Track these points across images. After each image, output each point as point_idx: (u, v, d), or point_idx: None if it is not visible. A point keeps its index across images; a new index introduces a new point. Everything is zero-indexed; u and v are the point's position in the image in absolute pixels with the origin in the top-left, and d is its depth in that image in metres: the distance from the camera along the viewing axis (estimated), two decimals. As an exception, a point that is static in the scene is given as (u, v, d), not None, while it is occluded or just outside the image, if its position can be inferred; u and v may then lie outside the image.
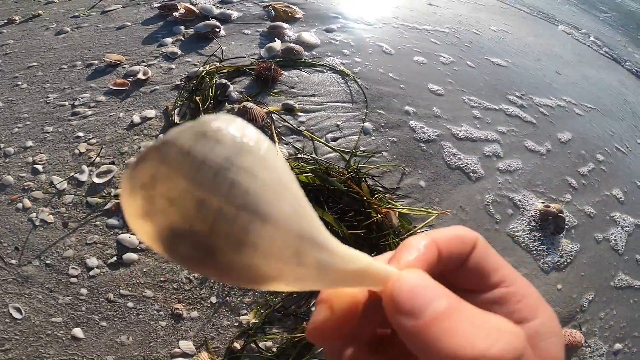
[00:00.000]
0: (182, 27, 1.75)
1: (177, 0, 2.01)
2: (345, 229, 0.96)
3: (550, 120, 1.90)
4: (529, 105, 1.94)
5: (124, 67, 1.47)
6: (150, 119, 1.24)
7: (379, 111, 1.47)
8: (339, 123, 1.36)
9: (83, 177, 1.06)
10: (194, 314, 0.87)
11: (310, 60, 1.61)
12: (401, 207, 1.10)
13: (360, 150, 1.27)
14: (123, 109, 1.27)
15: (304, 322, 0.88)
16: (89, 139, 1.17)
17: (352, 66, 1.67)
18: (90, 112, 1.25)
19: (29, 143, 1.15)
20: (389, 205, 1.07)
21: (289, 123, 1.28)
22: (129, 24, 1.79)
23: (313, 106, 1.40)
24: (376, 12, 2.33)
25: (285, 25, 1.81)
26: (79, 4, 2.05)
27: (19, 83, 1.41)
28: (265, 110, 1.26)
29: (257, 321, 0.87)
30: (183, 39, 1.68)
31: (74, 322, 0.83)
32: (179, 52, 1.57)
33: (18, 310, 0.84)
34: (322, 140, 1.26)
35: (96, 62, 1.50)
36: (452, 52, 2.14)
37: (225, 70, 1.43)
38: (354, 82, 1.57)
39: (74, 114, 1.25)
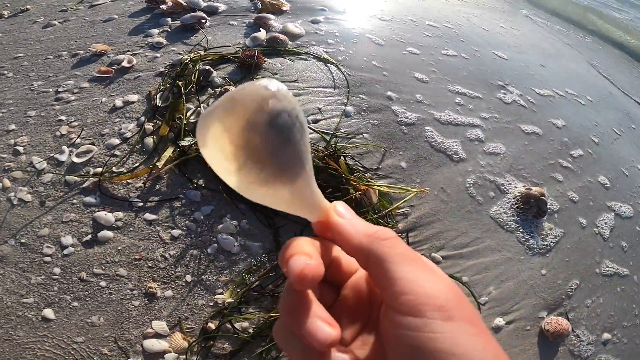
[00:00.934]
0: (169, 19, 1.77)
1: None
2: None
3: (534, 109, 1.94)
4: (512, 93, 1.97)
5: (109, 57, 1.49)
6: (132, 103, 1.25)
7: (361, 96, 1.49)
8: (320, 106, 1.38)
9: (63, 157, 1.07)
10: (168, 293, 0.87)
11: (294, 49, 1.63)
12: (379, 185, 1.11)
13: (341, 132, 1.29)
14: (106, 95, 1.29)
15: None
16: (71, 122, 1.18)
17: (336, 54, 1.69)
18: (73, 98, 1.27)
19: (12, 127, 1.16)
20: (368, 183, 1.08)
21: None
22: (116, 16, 1.82)
23: (295, 91, 1.42)
24: (362, 5, 2.37)
25: (270, 16, 1.83)
26: None
27: (5, 72, 1.43)
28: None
29: (232, 300, 0.87)
30: (169, 30, 1.70)
31: (45, 302, 0.82)
32: (165, 42, 1.59)
33: (-11, 291, 0.82)
34: (303, 123, 1.28)
35: (82, 52, 1.52)
36: (437, 43, 2.17)
37: (209, 58, 1.44)
38: (337, 69, 1.59)
39: (57, 100, 1.26)
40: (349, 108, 1.40)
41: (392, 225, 1.07)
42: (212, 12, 1.88)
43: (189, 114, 1.17)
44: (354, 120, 1.37)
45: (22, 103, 1.25)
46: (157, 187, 1.02)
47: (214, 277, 0.90)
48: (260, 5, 2.00)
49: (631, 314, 1.17)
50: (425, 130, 1.45)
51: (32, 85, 1.34)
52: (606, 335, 1.07)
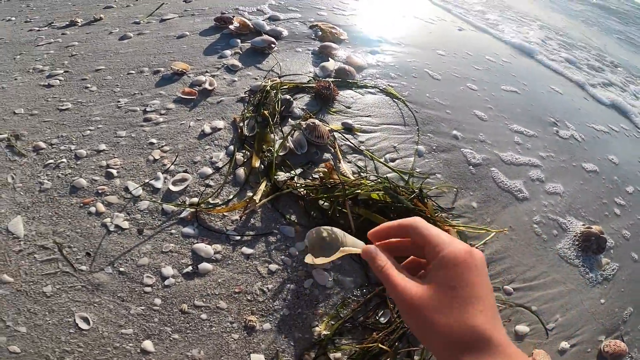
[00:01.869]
0: (239, 41, 1.84)
1: (232, 14, 2.12)
2: None
3: (585, 146, 1.97)
4: (567, 129, 2.03)
5: (189, 76, 1.55)
6: (219, 129, 1.29)
7: (430, 135, 1.53)
8: (395, 145, 1.41)
9: (158, 184, 1.09)
10: (267, 325, 0.87)
11: (362, 82, 1.68)
12: (463, 225, 1.15)
13: (417, 172, 1.33)
14: (193, 118, 1.34)
15: (373, 332, 0.91)
16: (162, 146, 1.22)
17: (400, 89, 1.74)
18: (162, 119, 1.31)
19: (102, 146, 1.20)
20: (452, 224, 1.11)
21: (350, 142, 1.34)
22: (188, 33, 1.88)
23: (369, 127, 1.46)
24: (412, 37, 2.43)
25: (334, 45, 1.89)
26: (137, 10, 2.16)
27: (88, 85, 1.48)
28: (328, 128, 1.32)
29: (328, 333, 0.89)
30: (241, 52, 1.76)
31: (145, 334, 0.80)
32: (240, 64, 1.64)
33: (85, 320, 0.80)
34: (381, 160, 1.32)
35: (162, 69, 1.58)
36: (489, 77, 2.22)
37: (285, 87, 1.49)
38: (404, 105, 1.64)
39: (146, 120, 1.31)
40: (421, 147, 1.44)
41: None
42: (276, 36, 1.95)
43: (276, 146, 1.21)
44: (426, 160, 1.41)
45: (111, 121, 1.30)
46: (252, 221, 1.05)
47: (310, 311, 0.92)
48: (321, 33, 2.06)
49: None
50: (491, 171, 1.49)
51: (119, 102, 1.39)
52: None
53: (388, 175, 1.27)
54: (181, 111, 1.36)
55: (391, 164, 1.31)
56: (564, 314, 1.11)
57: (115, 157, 1.17)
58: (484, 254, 1.11)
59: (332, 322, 0.91)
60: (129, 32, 1.89)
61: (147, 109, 1.35)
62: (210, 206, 1.04)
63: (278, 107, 1.34)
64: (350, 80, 1.67)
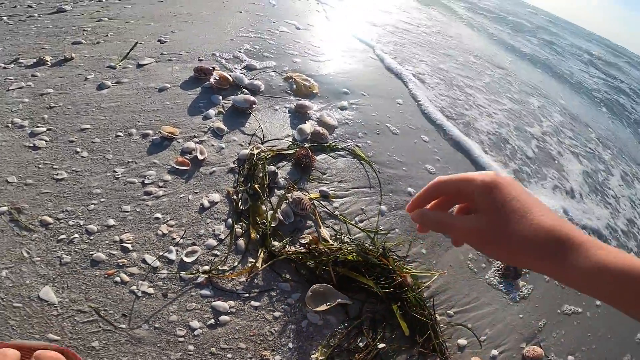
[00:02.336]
0: (220, 98, 1.98)
1: (210, 61, 2.22)
2: (379, 288, 1.33)
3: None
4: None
5: (179, 142, 1.68)
6: (216, 203, 1.48)
7: (390, 194, 1.87)
8: (363, 207, 1.73)
9: (172, 256, 1.27)
10: (277, 358, 1.14)
11: (334, 145, 1.96)
12: (414, 271, 1.51)
13: (380, 230, 1.66)
14: (190, 191, 1.50)
15: (356, 354, 1.20)
16: (167, 221, 1.38)
17: (366, 149, 2.05)
18: (161, 193, 1.45)
19: (111, 221, 1.32)
20: (406, 271, 1.47)
21: (327, 209, 1.62)
22: (169, 85, 1.97)
23: (342, 192, 1.75)
24: (374, 87, 2.75)
25: (308, 103, 2.13)
26: (109, 49, 2.15)
27: (78, 150, 1.54)
28: (308, 197, 1.58)
29: (323, 358, 1.18)
30: (224, 111, 1.91)
31: None
32: (225, 128, 1.81)
33: (135, 366, 1.00)
34: (352, 222, 1.63)
35: (151, 132, 1.68)
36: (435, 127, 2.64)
37: (269, 155, 1.71)
38: (370, 167, 1.95)
39: (147, 194, 1.44)
40: (383, 207, 1.77)
41: (419, 295, 1.45)
42: (254, 90, 2.12)
43: (268, 217, 1.45)
44: (387, 218, 1.74)
45: (112, 194, 1.41)
46: (256, 281, 1.30)
47: (308, 343, 1.20)
48: (295, 86, 2.28)
49: (587, 340, 1.64)
50: None
51: (116, 172, 1.49)
52: (570, 358, 1.53)
53: (358, 235, 1.58)
54: (178, 183, 1.51)
55: (360, 225, 1.63)
56: (492, 328, 1.40)
57: (126, 232, 1.30)
58: (432, 288, 1.50)
59: (325, 350, 1.20)
60: (107, 80, 1.91)
61: (145, 181, 1.48)
62: (220, 272, 1.27)
63: (266, 180, 1.56)
64: (324, 144, 1.93)
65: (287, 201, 1.53)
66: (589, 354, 1.56)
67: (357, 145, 2.05)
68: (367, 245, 1.50)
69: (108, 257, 1.22)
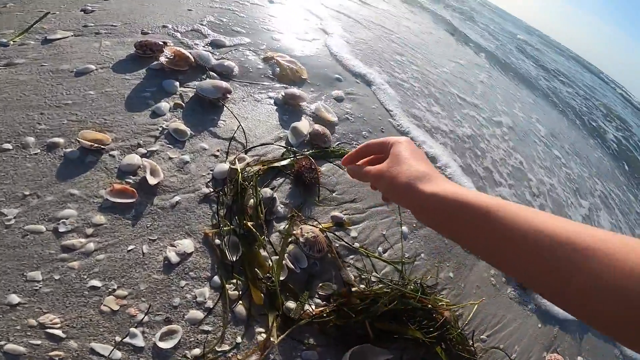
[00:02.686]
0: (177, 84, 1.38)
1: (159, 36, 1.58)
2: (424, 335, 1.01)
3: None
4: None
5: (113, 156, 1.07)
6: (189, 255, 0.94)
7: (409, 211, 1.48)
8: (384, 232, 1.32)
9: (139, 342, 0.76)
10: None
11: (340, 149, 1.49)
12: (454, 305, 1.21)
13: (406, 258, 1.28)
14: (142, 239, 0.93)
15: None
16: (114, 289, 0.82)
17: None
18: (92, 246, 0.87)
19: (13, 297, 0.74)
20: (446, 306, 1.14)
21: (345, 242, 1.18)
22: (93, 67, 1.31)
23: (357, 215, 1.31)
24: (372, 71, 2.31)
25: (298, 92, 1.62)
26: (2, 23, 1.38)
27: None
28: (318, 228, 1.12)
29: None
30: (183, 104, 1.32)
31: None
32: (187, 130, 1.23)
33: None
34: (377, 256, 1.22)
35: (61, 140, 1.05)
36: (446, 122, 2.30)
37: (259, 172, 1.19)
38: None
39: (67, 250, 0.85)
40: (405, 229, 1.39)
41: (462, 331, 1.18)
42: (225, 73, 1.55)
43: (274, 267, 0.96)
44: (411, 242, 1.37)
45: (5, 255, 0.80)
46: (271, 356, 0.86)
47: None
48: (279, 70, 1.74)
49: (592, 342, 1.60)
50: None
51: (4, 215, 0.86)
52: (579, 358, 1.50)
53: (385, 271, 1.18)
54: (119, 227, 0.94)
55: (385, 256, 1.23)
56: (519, 344, 1.32)
57: (46, 312, 0.74)
58: (466, 319, 1.29)
59: None
60: (-16, 56, 1.20)
61: (60, 228, 0.88)
62: (220, 354, 0.81)
63: (261, 211, 1.05)
64: (328, 149, 1.45)
65: (294, 240, 1.05)
66: (594, 352, 1.56)
67: (363, 148, 1.61)
68: (395, 280, 1.16)
69: (31, 350, 0.68)
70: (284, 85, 1.67)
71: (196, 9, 1.93)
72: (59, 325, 0.74)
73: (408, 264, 1.30)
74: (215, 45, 1.71)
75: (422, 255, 1.37)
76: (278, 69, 1.75)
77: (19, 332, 0.71)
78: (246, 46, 1.81)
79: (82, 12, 1.58)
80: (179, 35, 1.63)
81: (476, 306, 1.32)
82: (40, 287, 0.78)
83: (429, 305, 1.11)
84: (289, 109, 1.56)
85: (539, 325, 1.47)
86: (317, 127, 1.48)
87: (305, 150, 1.40)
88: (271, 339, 0.89)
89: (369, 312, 0.97)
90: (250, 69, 1.66)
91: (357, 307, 0.99)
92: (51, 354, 0.70)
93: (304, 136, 1.44)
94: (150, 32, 1.60)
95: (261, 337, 0.89)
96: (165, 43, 1.48)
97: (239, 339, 0.87)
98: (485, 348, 1.24)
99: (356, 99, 1.92)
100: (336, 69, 2.07)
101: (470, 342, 1.16)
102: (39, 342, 0.71)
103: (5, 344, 0.69)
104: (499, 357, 1.23)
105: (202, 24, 1.77)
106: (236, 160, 1.19)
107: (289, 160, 1.28)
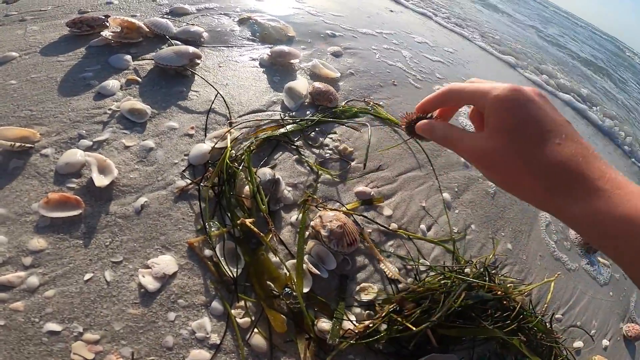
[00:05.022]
0: (128, 57, 1.06)
1: (100, 11, 1.25)
2: (501, 332, 0.75)
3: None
4: None
5: (45, 155, 0.76)
6: (172, 276, 0.64)
7: (445, 172, 1.19)
8: (423, 204, 1.02)
9: None
10: None
11: (350, 108, 1.17)
12: (527, 287, 0.92)
13: (456, 233, 0.99)
14: (102, 262, 0.63)
15: None
16: (80, 333, 0.55)
17: (391, 108, 1.30)
18: (36, 279, 0.58)
19: None
20: (520, 290, 0.85)
21: (378, 223, 0.87)
22: (16, 54, 0.99)
23: (387, 186, 1.01)
24: (360, 19, 1.97)
25: (288, 49, 1.28)
26: None
27: None
28: (342, 210, 0.81)
29: None
30: (139, 79, 1.00)
31: None
32: (147, 108, 0.91)
33: None
34: (419, 235, 0.91)
35: (-30, 146, 0.74)
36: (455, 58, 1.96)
37: (253, 148, 0.87)
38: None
39: (3, 289, 0.55)
40: (447, 196, 1.09)
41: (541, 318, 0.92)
42: (192, 41, 1.22)
43: (294, 278, 0.65)
44: (457, 212, 1.09)
45: None
46: None
47: None
48: (260, 30, 1.41)
49: None
50: (505, 193, 1.27)
51: None
52: None
53: (435, 254, 0.88)
54: (67, 251, 0.64)
55: (430, 234, 0.93)
56: (596, 318, 1.15)
57: None
58: (535, 296, 1.04)
59: None
60: None
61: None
62: None
63: (263, 202, 0.74)
64: (337, 109, 1.13)
65: (314, 234, 0.74)
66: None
67: (377, 104, 1.29)
68: (448, 265, 0.88)
69: None
70: (269, 46, 1.34)
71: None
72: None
73: (459, 240, 0.99)
74: (176, 13, 1.38)
75: (473, 226, 1.08)
76: (258, 28, 1.41)
77: None
78: (215, 10, 1.47)
79: (5, 4, 1.26)
80: (127, 9, 1.30)
81: (553, 284, 1.05)
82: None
83: (499, 293, 0.82)
84: (279, 69, 1.23)
85: (611, 294, 1.28)
86: (318, 84, 1.15)
87: (309, 113, 1.08)
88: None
89: (430, 318, 0.67)
90: (224, 33, 1.32)
91: (414, 314, 0.68)
92: None
93: (304, 97, 1.11)
94: (90, 10, 1.27)
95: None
96: (107, 15, 1.15)
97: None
98: (564, 328, 1.04)
99: (357, 53, 1.59)
100: (327, 25, 1.73)
101: (548, 326, 0.89)
102: None
103: None
104: (577, 335, 1.05)
105: (155, -9, 1.43)
106: (221, 136, 0.87)
107: (292, 126, 0.96)
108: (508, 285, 0.86)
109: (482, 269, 0.85)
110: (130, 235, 0.68)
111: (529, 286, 0.90)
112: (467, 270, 0.85)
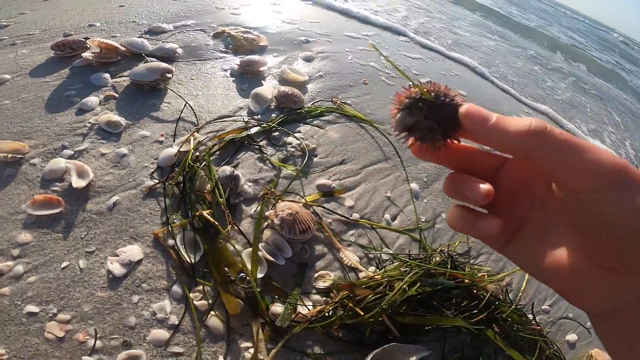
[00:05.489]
0: (107, 76, 1.17)
1: (84, 35, 1.37)
2: (468, 322, 0.76)
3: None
4: None
5: (33, 163, 0.87)
6: (138, 263, 0.73)
7: (412, 162, 1.23)
8: (388, 195, 1.07)
9: None
10: None
11: (316, 108, 1.25)
12: (496, 275, 0.93)
13: (423, 222, 1.03)
14: (78, 252, 0.73)
15: None
16: (54, 314, 0.64)
17: (360, 106, 1.37)
18: (21, 268, 0.68)
19: None
20: (488, 278, 0.87)
21: (338, 214, 0.94)
22: (9, 77, 1.11)
23: (350, 179, 1.07)
24: (336, 24, 2.06)
25: (257, 58, 1.38)
26: None
27: None
28: (301, 203, 0.88)
29: None
30: (116, 94, 1.11)
31: None
32: (122, 120, 1.01)
33: None
34: (382, 225, 0.96)
35: (-33, 161, 0.85)
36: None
37: (216, 150, 0.96)
38: (376, 129, 1.28)
39: None
40: (414, 186, 1.13)
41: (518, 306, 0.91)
42: (167, 57, 1.33)
43: (248, 265, 0.73)
44: (425, 201, 1.12)
45: None
46: None
47: None
48: (233, 43, 1.51)
49: None
50: None
51: None
52: None
53: (399, 243, 0.93)
54: (49, 243, 0.73)
55: (395, 224, 0.98)
56: None
57: None
58: (514, 286, 1.01)
59: None
60: None
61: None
62: None
63: (221, 195, 0.82)
64: (300, 109, 1.21)
65: (270, 224, 0.81)
66: None
67: (344, 103, 1.37)
68: (414, 253, 0.88)
69: None
70: (241, 56, 1.44)
71: (129, 3, 1.72)
72: (6, 357, 0.59)
73: (427, 229, 1.04)
74: (154, 32, 1.49)
75: (443, 215, 1.12)
76: (231, 41, 1.51)
77: None
78: (191, 27, 1.58)
79: (-2, 29, 1.39)
80: (109, 30, 1.42)
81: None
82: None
83: (465, 281, 0.85)
84: (248, 77, 1.33)
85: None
86: (284, 88, 1.24)
87: (274, 116, 1.16)
88: (260, 355, 0.66)
89: (384, 304, 0.72)
90: (198, 48, 1.43)
91: (367, 299, 0.74)
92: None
93: (269, 101, 1.20)
94: (74, 33, 1.39)
95: (249, 354, 0.67)
96: (86, 38, 1.27)
97: (221, 359, 0.66)
98: (552, 320, 1.01)
99: (330, 56, 1.67)
100: (302, 32, 1.82)
101: (530, 317, 0.90)
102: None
103: None
104: (571, 327, 1.01)
105: (136, 16, 1.55)
106: (187, 141, 0.96)
107: (256, 129, 1.05)
108: (480, 275, 0.87)
109: (446, 256, 0.89)
110: (102, 229, 0.77)
111: (498, 275, 0.91)
112: (437, 259, 0.88)
